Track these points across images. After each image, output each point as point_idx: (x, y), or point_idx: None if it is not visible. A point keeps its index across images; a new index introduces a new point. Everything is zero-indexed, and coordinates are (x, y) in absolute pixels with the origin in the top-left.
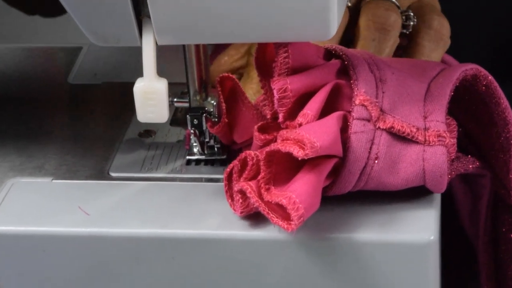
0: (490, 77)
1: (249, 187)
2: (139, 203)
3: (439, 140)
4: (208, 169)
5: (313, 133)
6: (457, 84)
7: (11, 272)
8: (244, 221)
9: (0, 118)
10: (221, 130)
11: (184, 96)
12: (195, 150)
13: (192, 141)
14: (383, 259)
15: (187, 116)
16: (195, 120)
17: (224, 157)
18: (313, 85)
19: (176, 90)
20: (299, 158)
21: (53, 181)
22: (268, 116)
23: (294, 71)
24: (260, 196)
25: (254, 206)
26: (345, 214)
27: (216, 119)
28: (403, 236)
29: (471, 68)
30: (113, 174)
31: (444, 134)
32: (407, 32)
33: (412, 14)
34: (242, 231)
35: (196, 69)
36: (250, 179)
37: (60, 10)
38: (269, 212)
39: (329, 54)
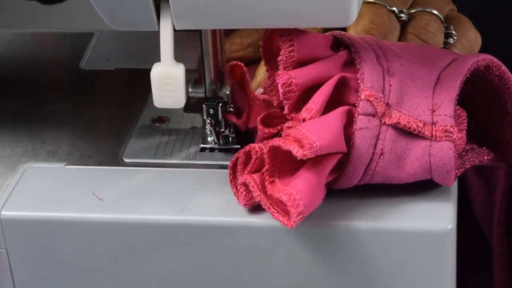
0: (503, 67)
1: (252, 181)
2: (153, 189)
3: (446, 136)
4: (222, 156)
5: (314, 132)
6: (468, 75)
7: (23, 258)
8: (259, 208)
9: (12, 104)
10: (244, 121)
11: (197, 83)
12: (209, 139)
13: (207, 130)
14: (401, 248)
15: (203, 105)
16: (211, 109)
17: (238, 146)
18: (319, 78)
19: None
20: (298, 158)
21: (66, 166)
22: (275, 103)
23: (300, 63)
24: (263, 189)
25: (257, 199)
26: (363, 203)
27: (232, 109)
28: (420, 225)
29: (483, 58)
30: (126, 160)
31: (452, 129)
32: (444, 47)
33: (454, 32)
34: (256, 218)
35: (213, 58)
36: (255, 172)
37: None
38: (270, 206)
39: (337, 43)
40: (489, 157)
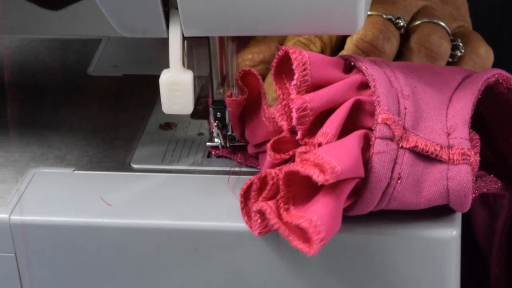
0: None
1: (269, 208)
2: (161, 195)
3: (463, 159)
4: (229, 162)
5: (334, 156)
6: (479, 96)
7: (31, 262)
8: None
9: (20, 109)
10: (233, 103)
11: (203, 89)
12: (216, 140)
13: (215, 133)
14: (405, 254)
15: (210, 109)
16: (218, 113)
17: (244, 143)
18: (333, 101)
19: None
20: (319, 183)
21: (75, 171)
22: (285, 128)
23: (314, 87)
24: (279, 216)
25: (274, 227)
26: None
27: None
28: (425, 231)
29: (493, 75)
30: (134, 166)
31: (469, 152)
32: (452, 61)
33: (461, 44)
34: None
35: (219, 62)
36: (269, 199)
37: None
38: (290, 234)
39: (349, 65)
40: (496, 186)
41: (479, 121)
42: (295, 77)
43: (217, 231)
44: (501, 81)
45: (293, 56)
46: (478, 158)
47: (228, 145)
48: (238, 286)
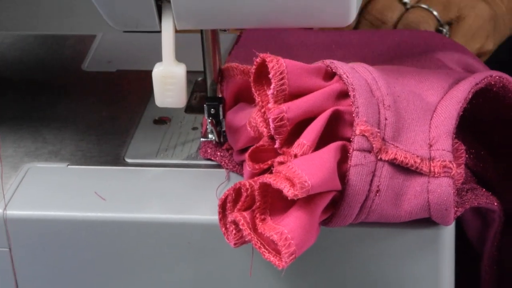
0: (505, 77)
1: (242, 219)
2: (155, 189)
3: (444, 172)
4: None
5: (306, 169)
6: (466, 106)
7: (26, 257)
8: None
9: (14, 105)
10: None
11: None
12: (210, 136)
13: (208, 129)
14: (400, 249)
15: (204, 105)
16: (212, 109)
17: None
18: (311, 111)
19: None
20: (289, 198)
21: (69, 166)
22: (265, 135)
23: (292, 96)
24: (254, 227)
25: (247, 239)
26: None
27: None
28: (419, 226)
29: (482, 79)
30: (128, 160)
31: (450, 165)
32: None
33: (446, 31)
34: None
35: (213, 58)
36: (245, 209)
37: None
38: (261, 246)
39: (331, 73)
40: (487, 201)
41: (484, 132)
42: (272, 86)
43: (211, 225)
44: (493, 83)
45: (270, 65)
46: (462, 170)
47: (222, 140)
48: (232, 280)
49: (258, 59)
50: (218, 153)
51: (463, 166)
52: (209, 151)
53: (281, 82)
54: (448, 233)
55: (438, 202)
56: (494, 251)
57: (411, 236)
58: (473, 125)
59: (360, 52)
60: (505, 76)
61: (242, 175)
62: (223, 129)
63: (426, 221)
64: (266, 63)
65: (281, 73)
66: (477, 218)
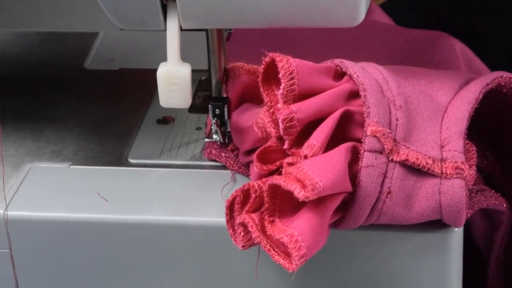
0: None
1: (251, 221)
2: (158, 190)
3: (457, 173)
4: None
5: (317, 171)
6: (477, 106)
7: (27, 257)
8: None
9: (16, 103)
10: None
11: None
12: (214, 136)
13: (213, 129)
14: (408, 251)
15: (209, 106)
16: (217, 110)
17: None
18: (321, 112)
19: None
20: (299, 200)
21: (71, 166)
22: (273, 135)
23: (302, 96)
24: (263, 229)
25: (256, 241)
26: None
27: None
28: (428, 228)
29: (492, 80)
30: (131, 161)
31: (463, 166)
32: None
33: None
34: None
35: (219, 58)
36: (253, 211)
37: None
38: (271, 249)
39: (341, 72)
40: (496, 202)
41: (491, 133)
42: (282, 86)
43: (216, 227)
44: (503, 84)
45: (279, 65)
46: (473, 171)
47: (227, 140)
48: (236, 282)
49: (267, 59)
50: (223, 154)
51: (474, 167)
52: (213, 152)
53: (291, 82)
54: (456, 236)
55: (450, 204)
56: (502, 254)
57: (419, 239)
58: (481, 125)
59: (369, 52)
60: None
61: (247, 176)
62: (228, 129)
63: (434, 224)
64: (276, 62)
65: (291, 73)
66: (485, 220)
